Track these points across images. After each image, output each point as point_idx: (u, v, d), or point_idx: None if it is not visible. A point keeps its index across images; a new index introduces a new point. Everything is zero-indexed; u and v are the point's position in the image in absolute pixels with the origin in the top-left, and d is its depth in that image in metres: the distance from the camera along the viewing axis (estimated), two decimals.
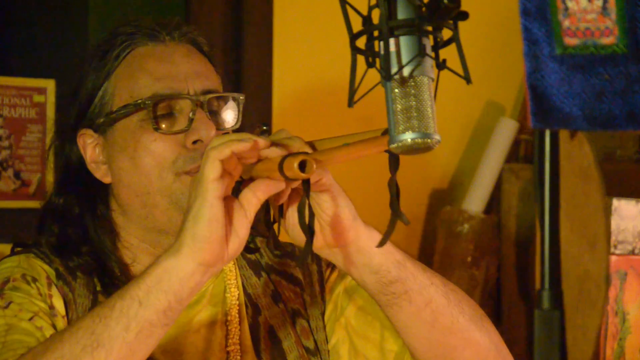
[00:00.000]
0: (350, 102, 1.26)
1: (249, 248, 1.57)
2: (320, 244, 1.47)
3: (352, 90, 1.24)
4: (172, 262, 1.36)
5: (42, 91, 2.60)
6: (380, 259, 1.49)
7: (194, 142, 1.56)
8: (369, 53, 1.25)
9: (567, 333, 1.04)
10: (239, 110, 1.64)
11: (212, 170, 1.35)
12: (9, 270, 1.59)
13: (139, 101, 1.57)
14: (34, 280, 1.56)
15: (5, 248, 2.44)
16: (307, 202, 1.40)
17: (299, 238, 1.46)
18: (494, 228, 2.93)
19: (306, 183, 1.38)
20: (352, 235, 1.47)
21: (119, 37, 1.64)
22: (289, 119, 2.72)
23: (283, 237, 1.53)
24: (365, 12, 1.25)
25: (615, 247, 2.67)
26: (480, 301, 2.90)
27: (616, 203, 2.67)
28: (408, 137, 1.24)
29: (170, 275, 1.36)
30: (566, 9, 1.01)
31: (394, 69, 1.23)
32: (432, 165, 2.94)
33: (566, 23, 1.01)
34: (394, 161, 1.36)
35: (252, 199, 1.39)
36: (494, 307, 2.95)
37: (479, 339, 1.56)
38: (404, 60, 1.23)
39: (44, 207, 1.69)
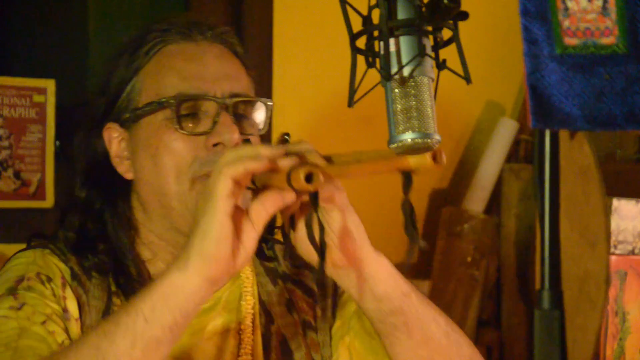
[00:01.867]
0: (350, 102, 1.25)
1: (267, 256, 1.55)
2: (326, 263, 1.42)
3: (352, 90, 1.24)
4: (178, 278, 1.34)
5: (42, 91, 2.60)
6: (384, 287, 1.45)
7: (215, 145, 1.54)
8: (369, 53, 1.25)
9: (567, 333, 1.04)
10: (267, 116, 1.61)
11: (223, 187, 1.32)
12: (24, 267, 1.56)
13: (164, 100, 1.55)
14: (49, 280, 1.54)
15: (5, 248, 2.44)
16: (315, 215, 1.36)
17: (308, 253, 1.43)
18: (494, 228, 2.93)
19: (314, 196, 1.34)
20: (359, 258, 1.44)
21: (152, 34, 1.61)
22: (289, 119, 2.72)
23: None
24: (365, 12, 1.25)
25: (615, 247, 2.67)
26: (480, 301, 2.90)
27: (616, 203, 2.67)
28: (408, 137, 1.24)
29: (176, 291, 1.33)
30: (566, 9, 1.01)
31: (394, 69, 1.23)
32: None
33: (566, 23, 1.01)
34: (407, 181, 1.33)
35: (261, 212, 1.36)
36: (494, 307, 2.95)
37: None
38: (404, 60, 1.23)
39: (66, 200, 1.66)
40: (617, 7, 0.99)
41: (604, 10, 1.00)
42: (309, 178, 1.29)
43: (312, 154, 1.36)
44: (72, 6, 3.15)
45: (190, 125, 1.55)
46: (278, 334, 1.63)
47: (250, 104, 1.59)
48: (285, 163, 1.33)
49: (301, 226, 1.43)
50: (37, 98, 2.60)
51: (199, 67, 1.58)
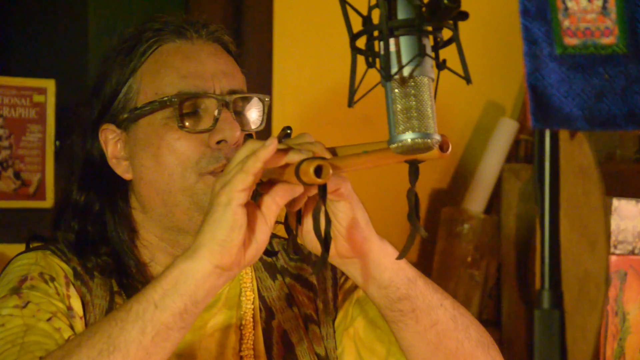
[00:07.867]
0: (350, 102, 1.25)
1: (268, 251, 1.56)
2: (332, 253, 1.44)
3: (352, 90, 1.24)
4: (188, 264, 1.35)
5: (42, 91, 2.60)
6: (390, 274, 1.47)
7: (218, 142, 1.55)
8: (369, 53, 1.25)
9: (567, 333, 1.04)
10: (264, 112, 1.62)
11: (244, 182, 1.33)
12: (26, 267, 1.56)
13: (165, 98, 1.56)
14: (52, 279, 1.55)
15: (6, 248, 2.44)
16: (322, 208, 1.37)
17: (313, 245, 1.44)
18: (494, 228, 2.93)
19: (322, 189, 1.35)
20: (365, 247, 1.45)
21: (146, 33, 1.62)
22: (289, 119, 2.72)
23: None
24: (365, 12, 1.25)
25: (615, 247, 2.67)
26: (480, 301, 2.90)
27: (616, 203, 2.67)
28: (408, 137, 1.24)
29: (186, 277, 1.34)
30: (566, 9, 1.01)
31: (394, 69, 1.23)
32: (432, 165, 2.94)
33: (566, 23, 1.01)
34: (413, 171, 1.34)
35: (272, 205, 1.38)
36: (494, 307, 2.95)
37: None
38: (404, 60, 1.23)
39: (62, 202, 1.66)
40: (617, 7, 0.99)
41: (604, 10, 1.00)
42: (317, 171, 1.31)
43: (317, 146, 1.37)
44: (72, 6, 3.15)
45: (192, 123, 1.56)
46: (279, 329, 1.63)
47: (248, 100, 1.61)
48: (294, 157, 1.35)
49: (308, 220, 1.44)
50: (37, 98, 2.60)
51: (196, 65, 1.59)
